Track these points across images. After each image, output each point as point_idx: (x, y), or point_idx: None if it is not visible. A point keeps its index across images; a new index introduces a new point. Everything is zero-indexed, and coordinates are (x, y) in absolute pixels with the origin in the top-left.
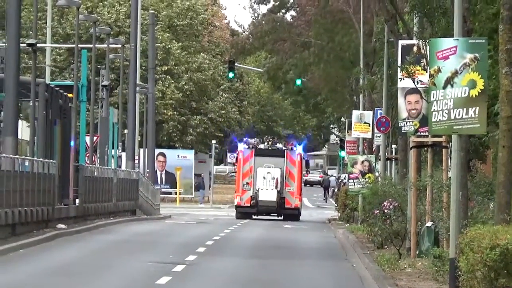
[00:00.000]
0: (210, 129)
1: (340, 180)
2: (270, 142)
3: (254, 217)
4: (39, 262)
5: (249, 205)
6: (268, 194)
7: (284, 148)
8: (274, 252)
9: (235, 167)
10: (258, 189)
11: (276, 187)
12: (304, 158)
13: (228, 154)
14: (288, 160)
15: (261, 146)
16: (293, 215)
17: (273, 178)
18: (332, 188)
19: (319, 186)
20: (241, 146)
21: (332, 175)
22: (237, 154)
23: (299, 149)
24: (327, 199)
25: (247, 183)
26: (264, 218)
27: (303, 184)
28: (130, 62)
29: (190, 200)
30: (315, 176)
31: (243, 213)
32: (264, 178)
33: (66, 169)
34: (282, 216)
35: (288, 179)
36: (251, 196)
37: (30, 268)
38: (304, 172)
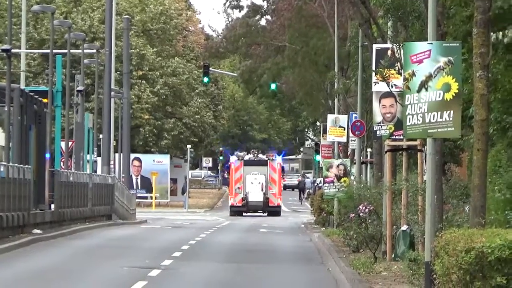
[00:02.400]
0: (185, 133)
1: (315, 184)
2: (255, 154)
3: (244, 214)
4: (15, 268)
5: (240, 205)
6: (255, 196)
7: (266, 158)
8: (250, 256)
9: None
10: (248, 192)
11: (262, 190)
12: (282, 166)
13: (204, 159)
14: (270, 168)
15: (248, 157)
16: (275, 211)
17: (259, 183)
18: (308, 190)
19: (298, 189)
20: (232, 158)
21: (307, 177)
22: (229, 164)
23: (278, 159)
24: (302, 200)
25: (238, 187)
26: (252, 215)
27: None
28: (105, 67)
29: (166, 205)
30: (294, 180)
31: (236, 211)
32: (252, 183)
33: (42, 174)
34: (267, 213)
35: (270, 183)
36: (242, 198)
37: (5, 274)
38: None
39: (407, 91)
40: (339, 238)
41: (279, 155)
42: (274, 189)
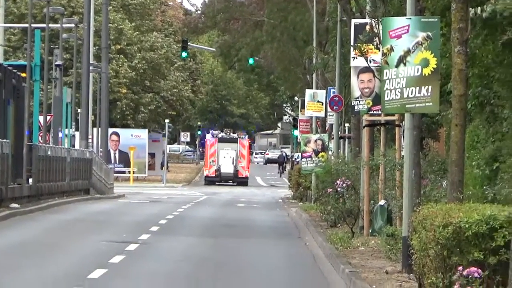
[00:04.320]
0: (163, 107)
1: (294, 159)
2: (228, 133)
3: (217, 183)
4: None
5: (214, 175)
6: (227, 168)
7: (237, 136)
8: (227, 231)
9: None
10: (221, 165)
11: (233, 163)
12: (250, 143)
13: (182, 133)
14: (240, 145)
15: (221, 135)
16: (244, 182)
17: (231, 157)
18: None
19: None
20: (208, 136)
21: (282, 151)
22: (205, 141)
23: (246, 137)
24: (281, 174)
25: (213, 161)
26: (224, 184)
27: (264, 162)
28: (83, 41)
29: (144, 179)
30: (276, 154)
31: (210, 181)
32: (224, 157)
33: (20, 148)
34: (236, 183)
35: (240, 158)
36: (215, 170)
37: None
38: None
39: (385, 66)
40: (317, 213)
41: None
42: (243, 163)
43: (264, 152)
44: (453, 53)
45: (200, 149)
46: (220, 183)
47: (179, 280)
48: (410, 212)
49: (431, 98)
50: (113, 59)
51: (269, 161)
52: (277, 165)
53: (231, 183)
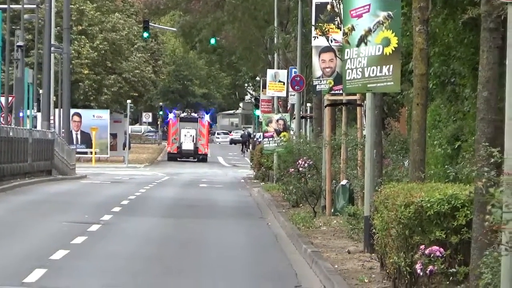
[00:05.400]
0: (125, 88)
1: (255, 139)
2: (189, 112)
3: (178, 159)
4: None
5: (176, 152)
6: (188, 145)
7: (197, 116)
8: (190, 211)
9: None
10: (182, 142)
11: (193, 141)
12: (210, 123)
13: (143, 114)
14: (200, 124)
15: (183, 114)
16: (203, 158)
17: (191, 135)
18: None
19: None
20: (170, 115)
21: (245, 130)
22: (168, 120)
23: (206, 117)
24: (244, 153)
25: (175, 138)
26: (186, 160)
27: (228, 142)
28: (45, 22)
29: (106, 160)
30: (239, 134)
31: (172, 157)
32: (185, 135)
33: None
34: (196, 159)
35: (200, 136)
36: (177, 147)
37: None
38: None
39: (347, 46)
40: (279, 193)
41: (207, 113)
42: (202, 141)
43: (229, 133)
44: (414, 32)
45: (164, 127)
46: (182, 159)
47: (141, 260)
48: (372, 191)
49: (392, 77)
50: (75, 40)
51: (233, 141)
52: (240, 145)
53: (192, 159)
